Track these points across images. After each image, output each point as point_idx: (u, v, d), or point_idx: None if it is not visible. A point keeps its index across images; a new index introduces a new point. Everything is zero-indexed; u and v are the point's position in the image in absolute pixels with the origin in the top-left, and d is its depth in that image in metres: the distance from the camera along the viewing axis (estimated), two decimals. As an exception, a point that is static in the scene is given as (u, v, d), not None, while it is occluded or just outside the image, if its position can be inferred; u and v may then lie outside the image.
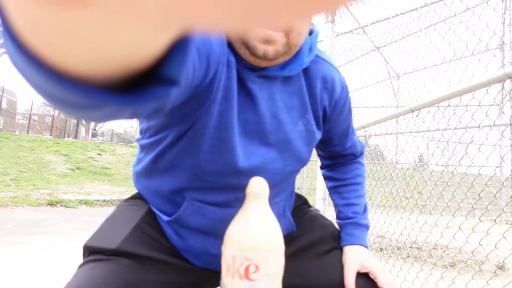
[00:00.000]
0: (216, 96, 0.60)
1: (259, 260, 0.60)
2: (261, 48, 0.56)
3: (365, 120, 2.13)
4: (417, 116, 1.83)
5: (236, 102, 0.62)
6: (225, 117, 0.62)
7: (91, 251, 0.66)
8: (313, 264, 0.78)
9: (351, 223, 0.83)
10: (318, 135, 0.74)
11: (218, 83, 0.60)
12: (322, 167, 0.96)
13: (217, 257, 0.68)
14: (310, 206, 0.94)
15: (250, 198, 0.63)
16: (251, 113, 0.64)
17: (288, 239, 0.77)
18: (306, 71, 0.70)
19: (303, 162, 0.74)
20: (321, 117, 0.73)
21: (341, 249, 0.80)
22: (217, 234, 0.70)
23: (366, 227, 0.84)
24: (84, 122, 31.66)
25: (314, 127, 0.72)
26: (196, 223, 0.71)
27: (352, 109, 0.81)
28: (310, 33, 0.68)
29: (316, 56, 0.71)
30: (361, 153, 0.92)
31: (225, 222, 0.64)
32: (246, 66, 0.61)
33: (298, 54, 0.64)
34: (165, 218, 0.73)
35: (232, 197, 0.69)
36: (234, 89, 0.61)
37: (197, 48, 0.53)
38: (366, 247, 0.79)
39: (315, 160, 3.27)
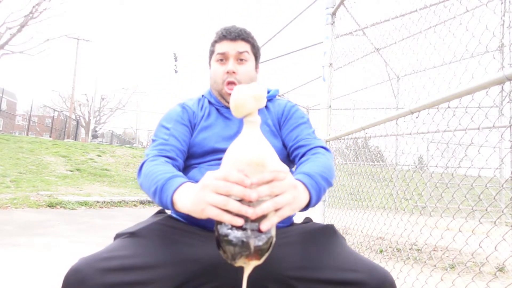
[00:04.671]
0: (199, 126, 1.10)
1: (250, 173, 0.65)
2: (229, 98, 1.07)
3: (364, 121, 2.13)
4: (416, 117, 1.83)
5: (218, 124, 1.10)
6: (212, 131, 1.09)
7: (117, 236, 0.92)
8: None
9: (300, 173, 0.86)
10: (280, 131, 1.13)
11: (198, 123, 1.11)
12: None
13: None
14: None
15: (245, 125, 0.73)
16: (229, 129, 1.09)
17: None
18: (267, 105, 1.17)
19: (276, 150, 1.00)
20: (278, 122, 1.15)
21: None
22: None
23: (313, 179, 0.83)
24: (84, 124, 31.66)
25: (273, 127, 1.13)
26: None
27: (308, 119, 1.16)
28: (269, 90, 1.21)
29: (276, 98, 1.22)
30: (320, 146, 1.05)
31: None
32: (224, 107, 1.13)
33: None
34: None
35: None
36: (215, 120, 1.11)
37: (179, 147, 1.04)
38: (308, 190, 0.79)
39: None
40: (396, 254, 3.19)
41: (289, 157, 1.10)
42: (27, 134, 19.46)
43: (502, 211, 1.69)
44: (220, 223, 0.63)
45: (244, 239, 0.61)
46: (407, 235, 2.17)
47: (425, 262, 2.94)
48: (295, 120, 1.12)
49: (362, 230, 3.13)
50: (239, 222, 0.61)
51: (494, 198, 1.51)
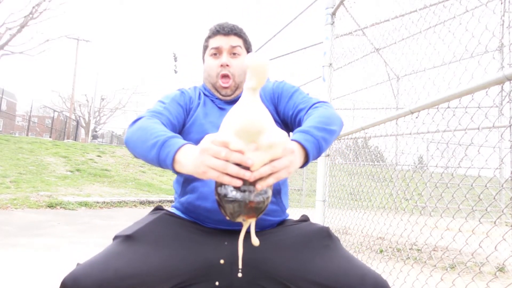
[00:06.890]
0: (195, 113, 1.13)
1: (249, 139, 0.68)
2: (223, 91, 1.14)
3: (364, 121, 2.13)
4: (416, 117, 1.83)
5: (213, 114, 1.12)
6: (208, 119, 1.11)
7: (116, 238, 0.92)
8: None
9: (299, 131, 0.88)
10: (276, 111, 1.14)
11: (194, 109, 1.14)
12: None
13: None
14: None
15: (244, 91, 0.71)
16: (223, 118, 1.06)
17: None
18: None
19: None
20: (271, 101, 1.15)
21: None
22: None
23: (310, 133, 0.85)
24: (84, 124, 31.64)
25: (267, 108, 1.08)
26: None
27: (299, 87, 1.17)
28: None
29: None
30: (318, 101, 1.06)
31: None
32: (218, 99, 1.16)
33: None
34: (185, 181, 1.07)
35: None
36: (210, 109, 1.14)
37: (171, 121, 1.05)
38: (304, 147, 0.81)
39: (315, 162, 3.27)
40: (396, 254, 3.19)
41: (293, 126, 1.11)
42: (27, 135, 19.46)
43: (502, 211, 1.69)
44: (220, 184, 0.68)
45: (242, 199, 0.66)
46: (407, 235, 2.17)
47: (425, 262, 2.94)
48: (287, 92, 1.15)
49: (362, 230, 3.13)
50: (238, 183, 0.66)
51: (494, 198, 1.51)
